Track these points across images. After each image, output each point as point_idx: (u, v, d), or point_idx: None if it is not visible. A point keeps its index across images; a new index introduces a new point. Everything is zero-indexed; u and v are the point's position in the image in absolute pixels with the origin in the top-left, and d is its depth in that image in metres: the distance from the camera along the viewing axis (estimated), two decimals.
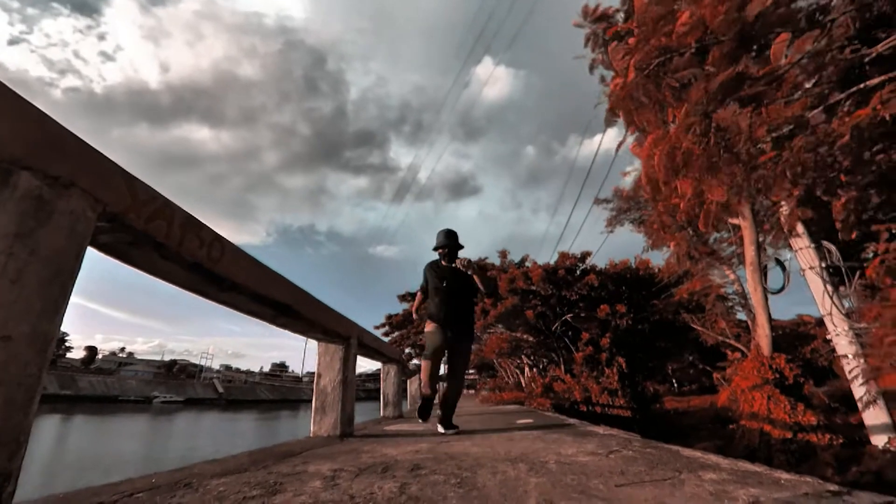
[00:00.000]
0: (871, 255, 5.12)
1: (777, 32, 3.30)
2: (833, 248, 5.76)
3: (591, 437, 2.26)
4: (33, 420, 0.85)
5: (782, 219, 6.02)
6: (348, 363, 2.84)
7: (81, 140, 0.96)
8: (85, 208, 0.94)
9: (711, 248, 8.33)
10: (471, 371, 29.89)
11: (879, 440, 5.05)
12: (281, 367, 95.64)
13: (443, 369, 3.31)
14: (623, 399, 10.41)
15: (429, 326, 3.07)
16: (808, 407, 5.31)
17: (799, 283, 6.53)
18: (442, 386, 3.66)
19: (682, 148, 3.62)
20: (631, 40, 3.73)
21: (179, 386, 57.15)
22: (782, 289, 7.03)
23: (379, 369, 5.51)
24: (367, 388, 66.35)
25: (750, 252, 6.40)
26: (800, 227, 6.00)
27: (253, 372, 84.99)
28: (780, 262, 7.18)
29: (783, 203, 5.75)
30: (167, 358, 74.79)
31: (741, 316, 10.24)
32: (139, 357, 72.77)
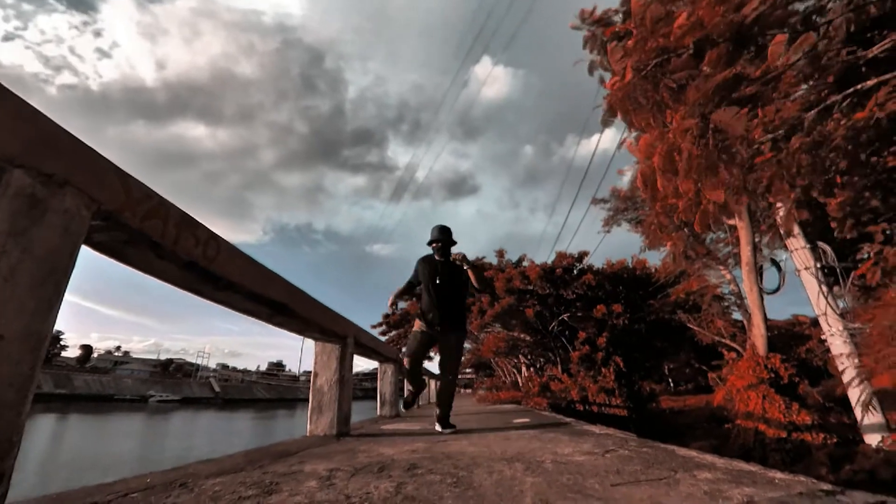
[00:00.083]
0: (865, 255, 5.15)
1: (774, 34, 3.32)
2: (828, 248, 5.80)
3: (588, 437, 2.26)
4: (26, 419, 0.84)
5: (779, 220, 6.06)
6: (345, 362, 2.84)
7: (75, 138, 0.95)
8: (79, 206, 0.94)
9: (708, 249, 8.37)
10: (468, 370, 29.89)
11: (873, 439, 5.09)
12: (278, 367, 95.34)
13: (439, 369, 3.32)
14: (619, 398, 10.46)
15: (416, 326, 3.09)
16: (802, 406, 5.35)
17: (794, 284, 6.58)
18: (436, 383, 3.75)
19: (679, 149, 3.63)
20: (629, 42, 3.74)
21: (175, 385, 56.89)
22: (778, 289, 7.07)
23: (376, 368, 5.51)
24: (364, 387, 66.29)
25: (746, 252, 6.44)
26: (795, 228, 6.04)
27: (250, 371, 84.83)
28: (775, 263, 7.23)
29: (780, 204, 5.78)
30: (163, 357, 74.75)
31: (737, 316, 10.33)
32: (135, 356, 72.54)
